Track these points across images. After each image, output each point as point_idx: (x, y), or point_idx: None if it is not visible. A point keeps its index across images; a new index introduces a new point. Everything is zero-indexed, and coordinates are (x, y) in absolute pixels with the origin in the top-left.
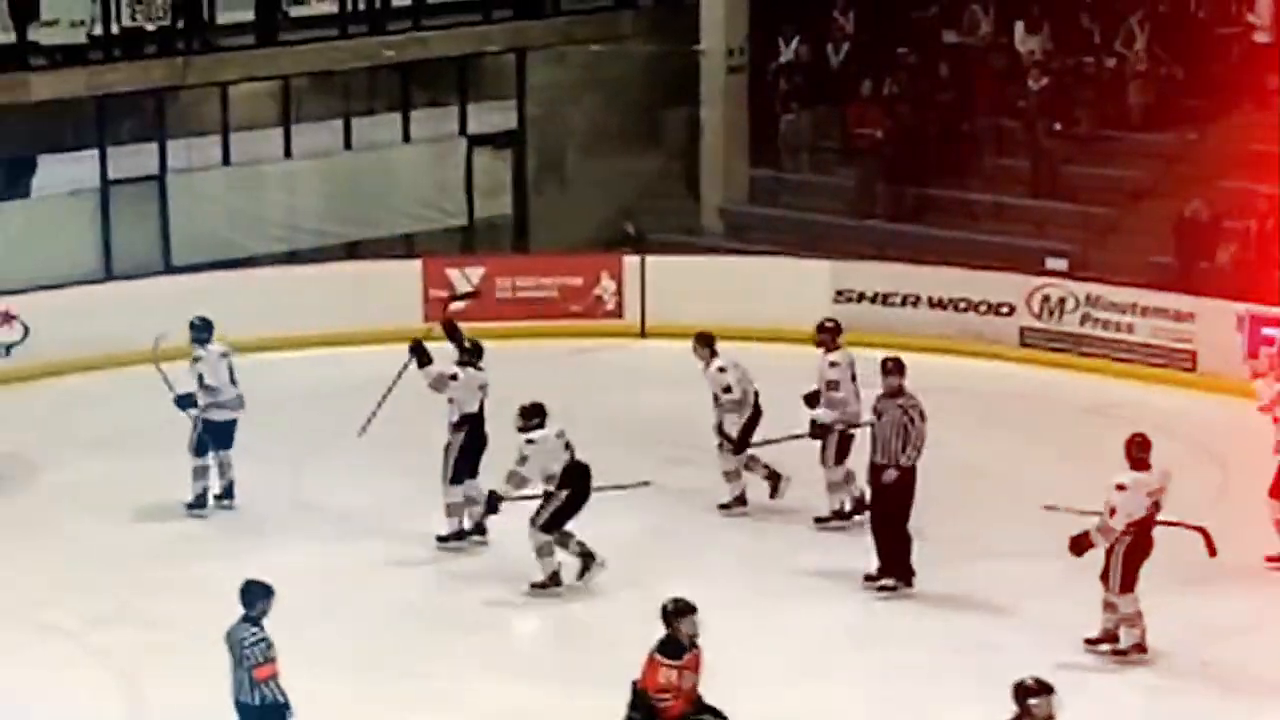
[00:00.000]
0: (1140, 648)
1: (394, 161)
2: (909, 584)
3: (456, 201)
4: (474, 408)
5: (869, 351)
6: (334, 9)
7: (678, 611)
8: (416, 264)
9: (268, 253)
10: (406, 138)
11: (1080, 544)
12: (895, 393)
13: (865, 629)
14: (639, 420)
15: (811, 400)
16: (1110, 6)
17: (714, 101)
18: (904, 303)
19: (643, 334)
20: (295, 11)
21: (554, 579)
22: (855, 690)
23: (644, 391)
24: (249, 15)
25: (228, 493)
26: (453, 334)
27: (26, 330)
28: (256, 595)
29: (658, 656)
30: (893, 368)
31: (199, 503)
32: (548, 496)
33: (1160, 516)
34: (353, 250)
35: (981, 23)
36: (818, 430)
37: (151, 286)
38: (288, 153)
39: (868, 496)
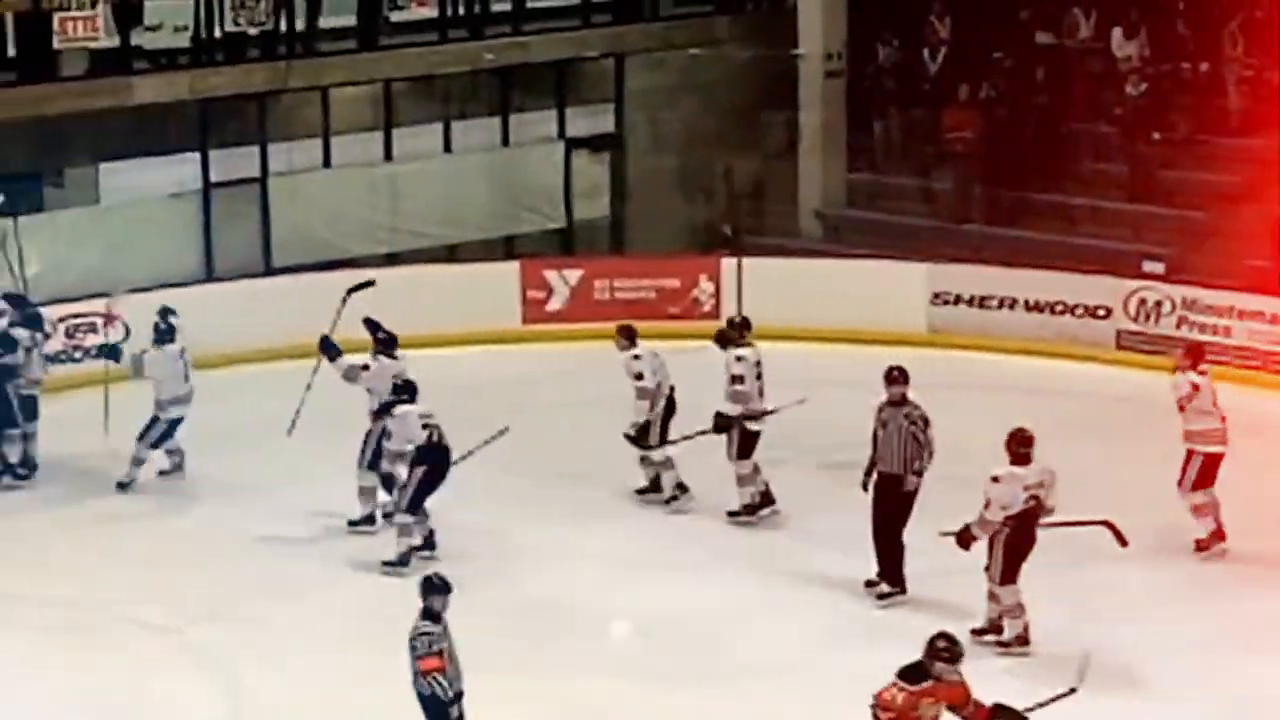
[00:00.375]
0: (1022, 639)
1: (493, 164)
2: (903, 590)
3: (555, 204)
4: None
5: (967, 354)
6: (434, 14)
7: (939, 653)
8: (514, 266)
9: (368, 255)
10: (505, 141)
11: (963, 538)
12: (900, 401)
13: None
14: None
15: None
16: (1207, 12)
17: (812, 105)
18: (1000, 305)
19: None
20: (396, 16)
21: (404, 560)
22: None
23: None
24: (350, 20)
25: (178, 467)
26: (371, 327)
27: (128, 331)
28: (429, 590)
29: (896, 677)
30: (897, 376)
31: (130, 484)
32: (408, 477)
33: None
34: (452, 252)
35: (1081, 26)
36: (721, 422)
37: (252, 288)
38: (388, 156)
39: (772, 491)
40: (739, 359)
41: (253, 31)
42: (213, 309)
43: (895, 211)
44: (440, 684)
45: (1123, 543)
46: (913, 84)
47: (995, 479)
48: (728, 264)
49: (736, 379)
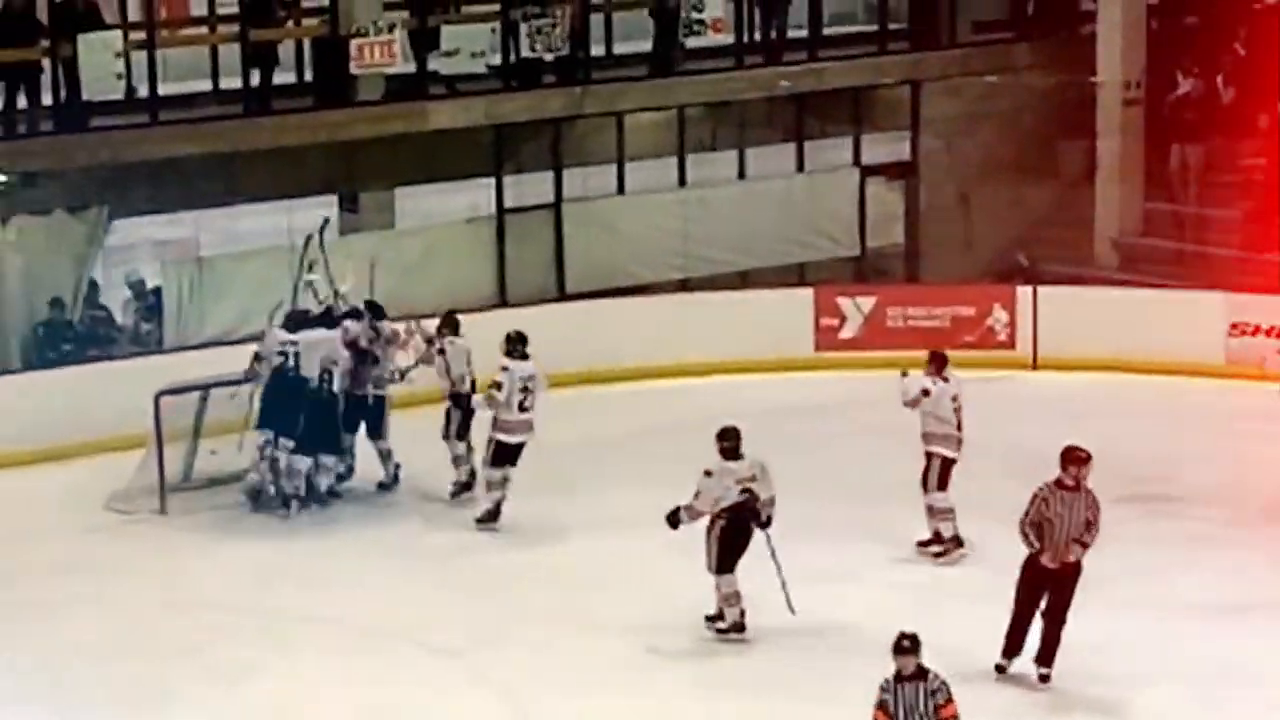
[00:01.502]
0: (739, 627)
1: (787, 191)
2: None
3: (848, 231)
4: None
5: (1265, 385)
6: (730, 40)
7: None
8: (808, 293)
9: (661, 280)
10: (800, 167)
11: (671, 519)
12: (1075, 487)
13: None
14: (1029, 452)
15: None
16: None
17: (1110, 133)
18: None
19: (1034, 365)
20: (692, 42)
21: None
22: None
23: (1035, 423)
24: (646, 46)
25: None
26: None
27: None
28: (893, 648)
29: None
30: (1079, 458)
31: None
32: None
33: None
34: (745, 279)
35: None
36: (461, 403)
37: (545, 313)
38: (682, 182)
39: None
40: (504, 369)
41: (548, 57)
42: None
43: (1192, 240)
44: None
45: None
46: (1211, 112)
47: (707, 473)
48: (1023, 293)
49: (496, 385)
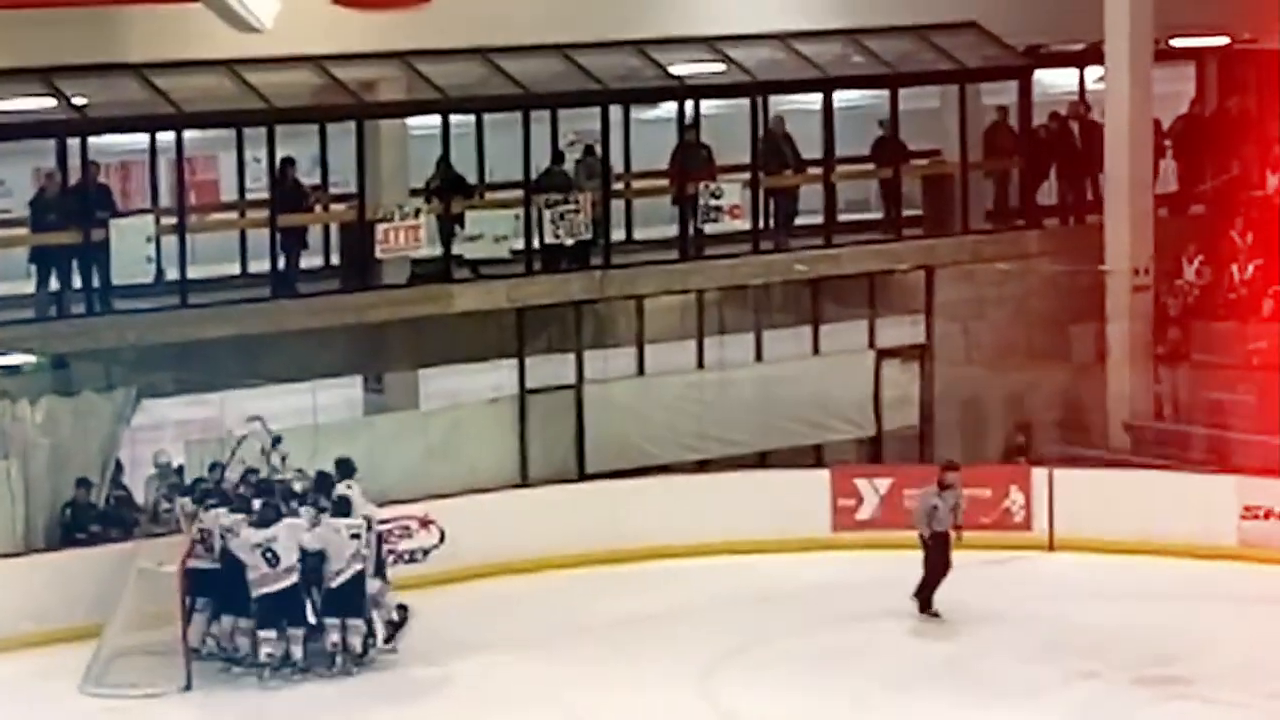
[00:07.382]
0: None
1: (803, 374)
2: None
3: (864, 413)
4: None
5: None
6: (746, 225)
7: None
8: (824, 474)
9: (679, 461)
10: (816, 350)
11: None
12: None
13: None
14: (1049, 633)
15: None
16: None
17: (1119, 318)
18: None
19: (1051, 547)
20: (710, 228)
21: None
22: None
23: (1054, 604)
24: (665, 231)
25: None
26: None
27: (443, 535)
28: None
29: None
30: None
31: None
32: None
33: None
34: (763, 459)
35: None
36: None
37: (565, 493)
38: (700, 364)
39: None
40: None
41: (570, 242)
42: (526, 514)
43: (1203, 424)
44: None
45: None
46: (1217, 297)
47: None
48: (1038, 474)
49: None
